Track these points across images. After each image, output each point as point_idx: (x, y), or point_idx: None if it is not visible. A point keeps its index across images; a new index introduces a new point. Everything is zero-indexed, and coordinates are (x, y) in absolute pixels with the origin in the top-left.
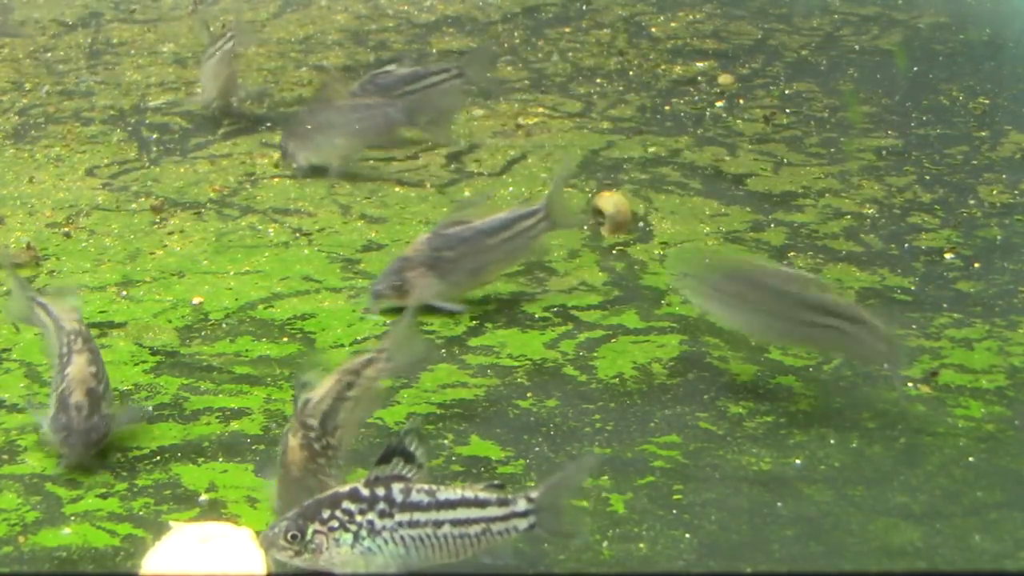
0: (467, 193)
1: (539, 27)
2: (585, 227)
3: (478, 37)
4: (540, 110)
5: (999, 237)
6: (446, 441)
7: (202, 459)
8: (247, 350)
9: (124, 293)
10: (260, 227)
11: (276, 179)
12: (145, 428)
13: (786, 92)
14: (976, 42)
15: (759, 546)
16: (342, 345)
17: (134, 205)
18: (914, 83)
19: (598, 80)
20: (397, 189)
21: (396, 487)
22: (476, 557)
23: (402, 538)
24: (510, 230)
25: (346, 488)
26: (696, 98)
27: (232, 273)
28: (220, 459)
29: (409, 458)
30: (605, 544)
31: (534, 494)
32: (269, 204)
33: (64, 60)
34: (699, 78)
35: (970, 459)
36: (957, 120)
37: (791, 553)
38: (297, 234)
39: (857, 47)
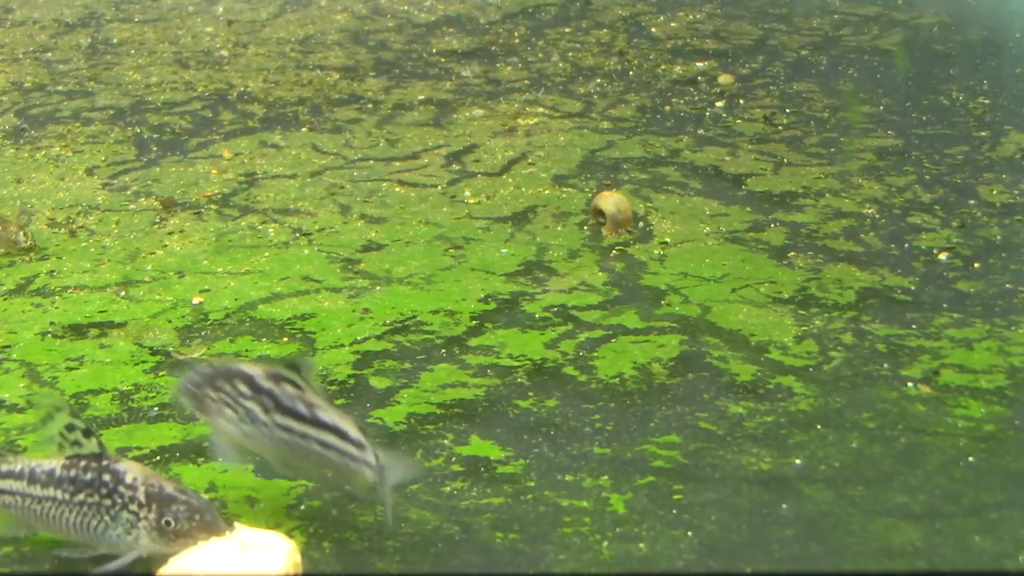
0: (467, 193)
1: (539, 27)
2: (585, 227)
3: (478, 37)
4: (540, 110)
5: (999, 237)
6: (446, 441)
7: (202, 459)
8: (247, 350)
9: (124, 293)
10: (260, 227)
11: (276, 179)
12: (145, 428)
13: (786, 92)
14: (976, 42)
15: (759, 546)
16: (342, 345)
17: (134, 205)
18: (914, 83)
19: (598, 80)
20: (397, 189)
21: (288, 389)
22: (337, 480)
23: (272, 437)
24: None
25: (251, 369)
26: (696, 98)
27: (232, 273)
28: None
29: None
30: (605, 544)
31: (381, 455)
32: (269, 204)
33: (64, 60)
34: (699, 78)
35: (970, 459)
36: (957, 120)
37: (791, 553)
38: (297, 234)
39: (857, 47)
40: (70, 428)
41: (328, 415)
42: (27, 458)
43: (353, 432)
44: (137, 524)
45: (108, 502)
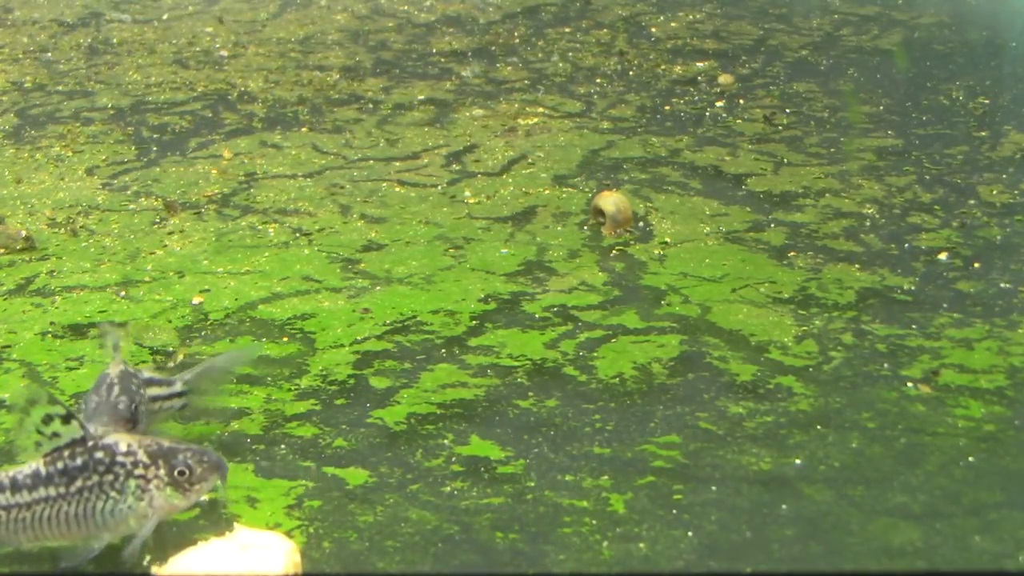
0: (467, 193)
1: (539, 27)
2: (585, 227)
3: (478, 37)
4: (540, 110)
5: (999, 237)
6: (446, 441)
7: None
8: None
9: (124, 293)
10: (260, 227)
11: (276, 179)
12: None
13: (786, 92)
14: (976, 42)
15: (759, 546)
16: (342, 345)
17: (134, 205)
18: (914, 83)
19: (598, 80)
20: (397, 189)
21: (131, 367)
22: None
23: (149, 413)
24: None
25: (125, 367)
26: (696, 98)
27: (232, 273)
28: None
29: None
30: (605, 544)
31: (188, 376)
32: (269, 204)
33: (64, 60)
34: (699, 78)
35: (970, 459)
36: (957, 120)
37: (791, 553)
38: (297, 234)
39: (857, 47)
40: (47, 420)
41: (148, 372)
42: (2, 470)
43: (158, 376)
44: (148, 487)
45: (110, 477)
